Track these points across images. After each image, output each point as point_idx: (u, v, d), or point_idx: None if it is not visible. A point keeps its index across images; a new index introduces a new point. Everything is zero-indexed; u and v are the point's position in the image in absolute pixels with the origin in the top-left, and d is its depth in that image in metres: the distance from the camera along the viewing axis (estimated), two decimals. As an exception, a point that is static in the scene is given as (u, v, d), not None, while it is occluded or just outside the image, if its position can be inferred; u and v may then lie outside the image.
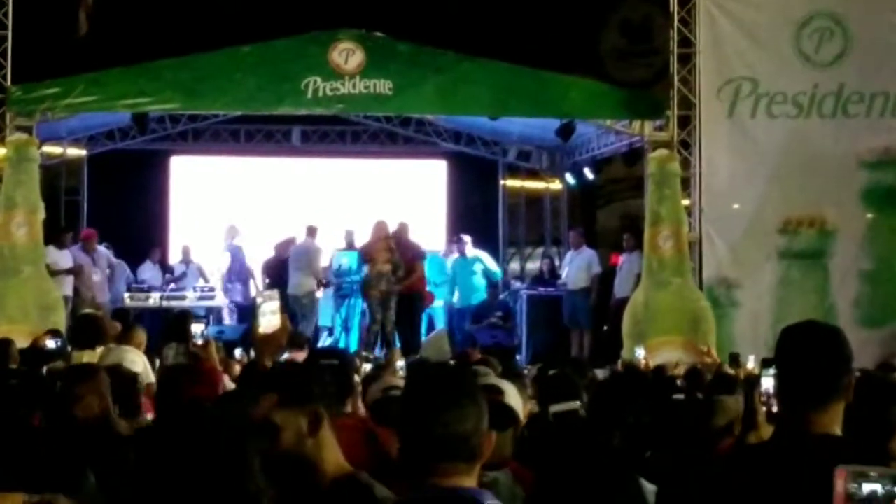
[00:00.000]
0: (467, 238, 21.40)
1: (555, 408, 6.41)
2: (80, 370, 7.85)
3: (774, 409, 5.49)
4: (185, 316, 14.12)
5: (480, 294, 20.91)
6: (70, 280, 18.47)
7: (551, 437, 6.06)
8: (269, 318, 5.87)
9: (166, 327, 13.74)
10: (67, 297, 17.79)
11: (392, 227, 19.23)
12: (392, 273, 18.77)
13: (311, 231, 20.34)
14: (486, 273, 21.13)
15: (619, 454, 4.77)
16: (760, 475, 3.99)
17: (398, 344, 18.48)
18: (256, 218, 21.77)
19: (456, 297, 21.25)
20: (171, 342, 12.19)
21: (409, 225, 19.91)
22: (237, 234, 20.75)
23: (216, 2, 22.47)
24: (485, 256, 21.24)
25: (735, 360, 13.86)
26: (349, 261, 19.83)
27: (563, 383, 6.80)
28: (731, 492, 4.00)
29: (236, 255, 20.62)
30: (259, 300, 6.03)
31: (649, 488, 5.47)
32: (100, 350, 10.76)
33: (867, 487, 3.27)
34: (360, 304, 19.63)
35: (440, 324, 20.04)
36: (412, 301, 19.35)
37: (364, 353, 16.70)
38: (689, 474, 5.00)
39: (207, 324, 17.06)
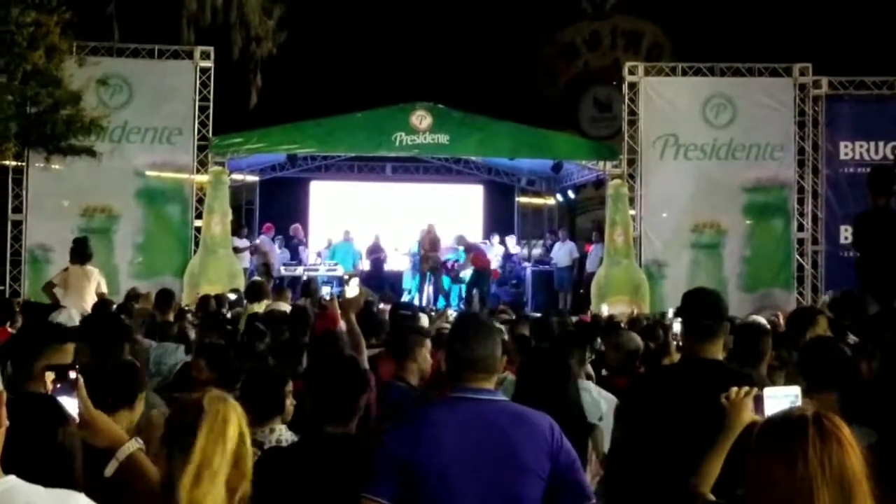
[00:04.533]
0: (495, 239, 21.43)
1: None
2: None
3: (680, 343, 5.50)
4: (312, 282, 14.32)
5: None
6: (247, 256, 18.51)
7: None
8: (353, 289, 6.06)
9: (303, 289, 13.83)
10: (246, 269, 17.88)
11: (436, 229, 19.58)
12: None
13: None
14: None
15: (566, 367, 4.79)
16: (673, 385, 4.02)
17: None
18: (364, 221, 21.76)
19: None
20: (304, 298, 12.41)
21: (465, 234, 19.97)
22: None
23: (338, 83, 22.54)
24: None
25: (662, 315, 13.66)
26: (417, 248, 19.98)
27: (544, 326, 6.81)
28: (656, 395, 4.03)
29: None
30: (346, 277, 6.20)
31: (589, 387, 5.51)
32: (265, 302, 10.90)
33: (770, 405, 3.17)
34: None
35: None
36: (484, 274, 19.06)
37: (429, 308, 16.77)
38: (632, 384, 5.04)
39: (332, 287, 17.10)
